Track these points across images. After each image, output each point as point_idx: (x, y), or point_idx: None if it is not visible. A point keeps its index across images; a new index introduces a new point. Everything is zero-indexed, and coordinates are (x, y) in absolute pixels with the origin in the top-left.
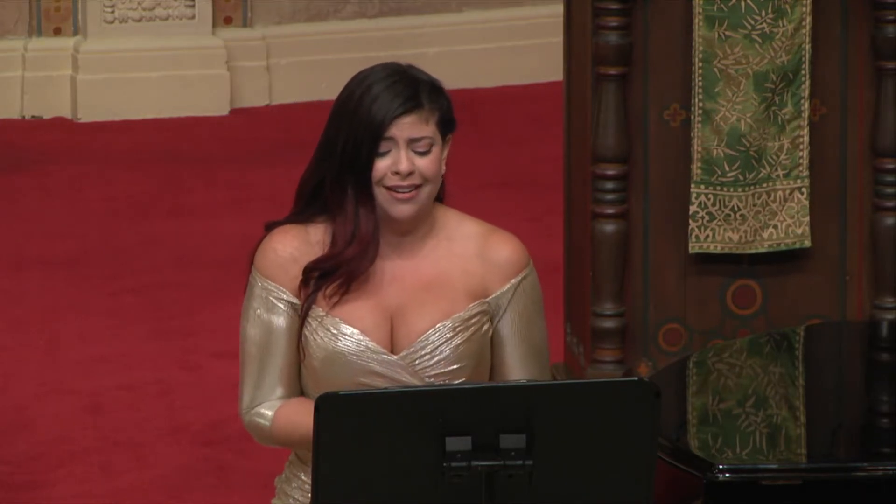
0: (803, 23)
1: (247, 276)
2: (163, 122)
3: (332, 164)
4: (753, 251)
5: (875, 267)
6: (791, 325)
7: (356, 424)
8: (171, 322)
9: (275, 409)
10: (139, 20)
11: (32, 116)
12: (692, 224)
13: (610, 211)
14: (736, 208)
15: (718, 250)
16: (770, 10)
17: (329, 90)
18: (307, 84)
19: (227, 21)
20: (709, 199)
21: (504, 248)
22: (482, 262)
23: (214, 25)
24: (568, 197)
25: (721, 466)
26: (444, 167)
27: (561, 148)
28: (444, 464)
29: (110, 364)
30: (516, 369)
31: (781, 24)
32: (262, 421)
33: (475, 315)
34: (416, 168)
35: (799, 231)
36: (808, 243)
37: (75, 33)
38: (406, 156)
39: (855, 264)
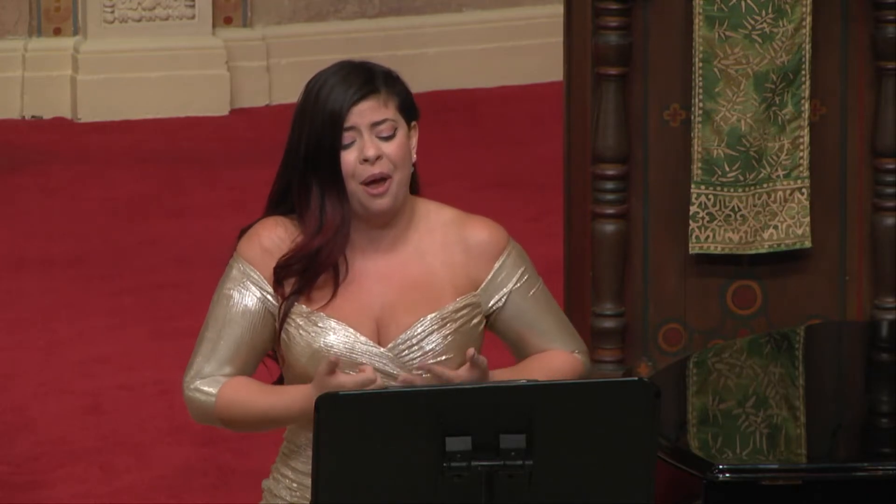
0: (803, 23)
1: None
2: (163, 122)
3: (296, 168)
4: (754, 251)
5: (875, 267)
6: (791, 325)
7: (356, 424)
8: (171, 322)
9: (219, 385)
10: (139, 20)
11: (32, 116)
12: (692, 224)
13: (610, 211)
14: (736, 209)
15: (719, 251)
16: (770, 10)
17: None
18: None
19: (227, 21)
20: (709, 200)
21: (482, 232)
22: (464, 249)
23: (214, 25)
24: (568, 197)
25: (721, 466)
26: (414, 155)
27: (561, 148)
28: (444, 464)
29: (110, 364)
30: (546, 331)
31: (781, 24)
32: (202, 397)
33: (464, 307)
34: (383, 153)
35: (799, 231)
36: (808, 244)
37: (75, 33)
38: (371, 142)
39: (855, 264)
